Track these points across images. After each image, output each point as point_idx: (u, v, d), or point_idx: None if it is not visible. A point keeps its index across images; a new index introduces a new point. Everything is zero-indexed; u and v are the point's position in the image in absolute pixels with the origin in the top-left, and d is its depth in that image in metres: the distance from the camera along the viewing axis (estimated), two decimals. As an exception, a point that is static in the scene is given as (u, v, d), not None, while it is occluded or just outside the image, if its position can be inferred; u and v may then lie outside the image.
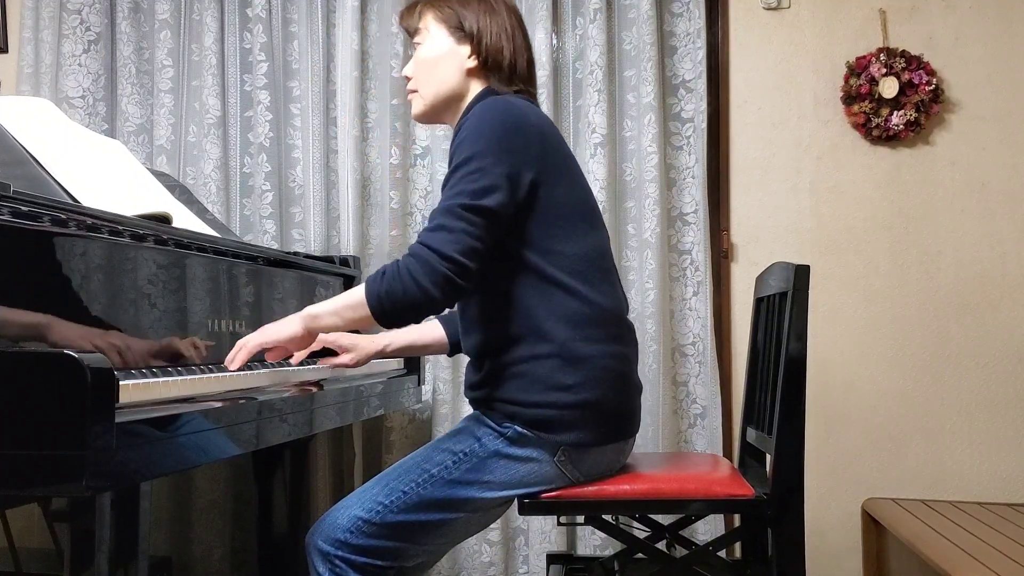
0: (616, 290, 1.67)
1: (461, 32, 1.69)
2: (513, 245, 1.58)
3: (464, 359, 2.70)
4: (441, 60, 1.69)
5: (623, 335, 1.65)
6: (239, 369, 1.60)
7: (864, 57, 2.73)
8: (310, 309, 1.59)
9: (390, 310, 1.51)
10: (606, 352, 1.59)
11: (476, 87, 1.70)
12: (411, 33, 1.76)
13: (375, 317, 1.53)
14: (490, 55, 1.68)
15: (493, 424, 1.59)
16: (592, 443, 1.60)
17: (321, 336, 1.75)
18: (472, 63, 1.68)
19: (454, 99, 1.71)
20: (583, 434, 1.58)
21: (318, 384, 1.77)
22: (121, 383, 1.17)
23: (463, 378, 2.69)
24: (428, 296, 1.49)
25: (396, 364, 2.40)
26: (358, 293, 1.54)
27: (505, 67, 1.69)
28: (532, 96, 1.74)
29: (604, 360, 1.59)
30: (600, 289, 1.61)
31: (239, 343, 1.61)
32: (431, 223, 1.53)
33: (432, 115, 1.75)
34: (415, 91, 1.73)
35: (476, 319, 1.65)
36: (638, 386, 1.69)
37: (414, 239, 2.75)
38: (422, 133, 2.83)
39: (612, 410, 1.61)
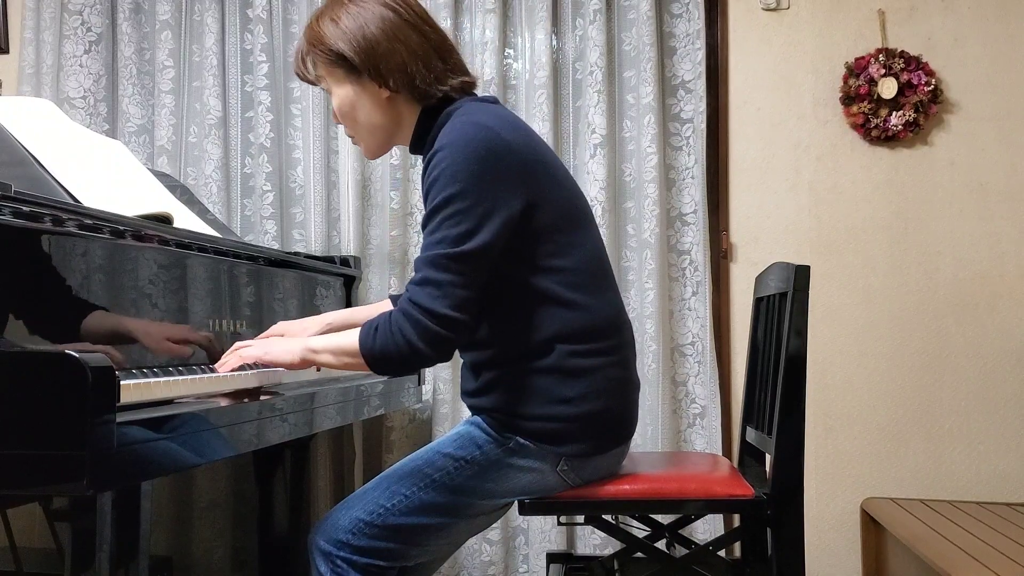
0: (614, 294, 1.63)
1: (355, 70, 1.56)
2: (512, 267, 1.53)
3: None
4: (356, 106, 1.59)
5: (623, 340, 1.63)
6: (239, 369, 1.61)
7: (863, 58, 2.74)
8: (311, 343, 1.55)
9: (385, 366, 1.49)
10: (607, 362, 1.57)
11: (409, 109, 1.60)
12: (315, 84, 1.65)
13: (371, 369, 1.50)
14: (395, 79, 1.55)
15: (494, 434, 1.58)
16: (594, 452, 1.59)
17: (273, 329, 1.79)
18: (385, 93, 1.57)
19: (394, 129, 1.62)
20: (585, 445, 1.57)
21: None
22: (122, 383, 1.17)
23: (463, 378, 2.71)
24: (421, 355, 1.46)
25: (396, 364, 2.40)
26: (354, 341, 1.50)
27: (418, 81, 1.55)
28: (468, 83, 1.61)
29: (605, 370, 1.57)
30: (601, 297, 1.58)
31: (236, 346, 1.61)
32: (417, 274, 1.47)
33: (382, 151, 1.67)
34: (352, 136, 1.66)
35: (474, 338, 1.61)
36: (637, 385, 1.67)
37: (414, 239, 2.80)
38: (422, 133, 2.84)
39: (614, 419, 1.59)
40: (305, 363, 1.56)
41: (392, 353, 1.46)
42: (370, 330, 1.48)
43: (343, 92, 1.59)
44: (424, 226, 1.49)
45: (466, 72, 1.62)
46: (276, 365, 1.57)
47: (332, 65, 1.58)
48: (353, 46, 1.54)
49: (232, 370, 1.58)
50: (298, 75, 1.66)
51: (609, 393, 1.57)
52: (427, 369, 2.70)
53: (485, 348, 1.59)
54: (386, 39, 1.54)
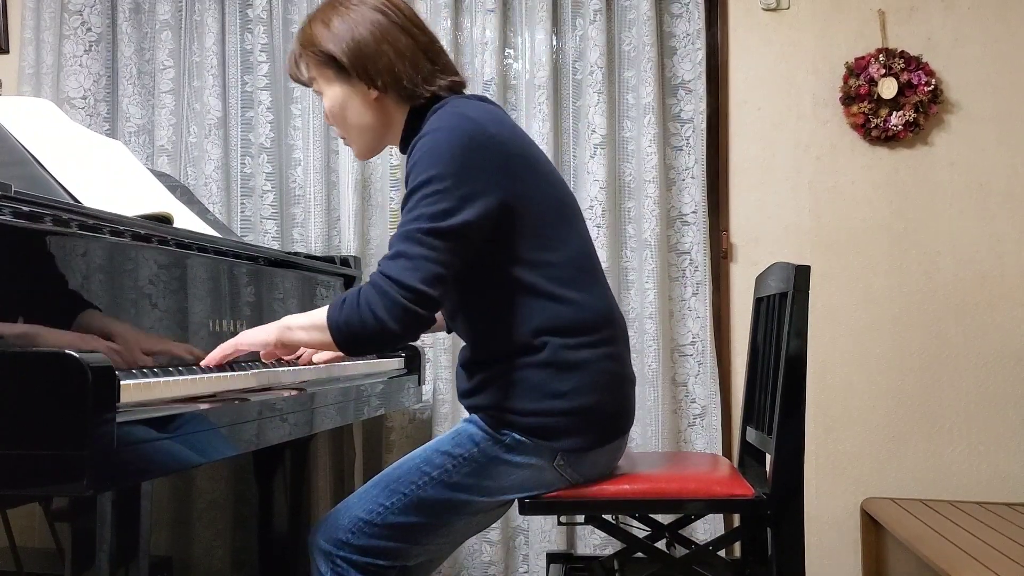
0: (604, 288, 1.64)
1: (344, 71, 1.59)
2: (500, 262, 1.54)
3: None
4: (346, 106, 1.62)
5: (615, 335, 1.63)
6: (240, 369, 1.61)
7: (863, 58, 2.74)
8: (287, 320, 1.54)
9: (350, 341, 1.47)
10: (599, 355, 1.58)
11: (398, 109, 1.63)
12: (308, 86, 1.68)
13: (337, 346, 1.48)
14: (383, 79, 1.58)
15: (491, 431, 1.58)
16: (590, 447, 1.59)
17: None
18: (374, 93, 1.60)
19: (384, 130, 1.65)
20: (581, 439, 1.57)
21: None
22: (122, 383, 1.17)
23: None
24: (386, 330, 1.44)
25: (396, 364, 2.41)
26: (324, 317, 1.49)
27: (406, 82, 1.58)
28: (457, 83, 1.64)
29: (598, 364, 1.57)
30: (590, 291, 1.59)
31: (220, 346, 1.59)
32: (390, 250, 1.47)
33: (373, 152, 1.70)
34: (344, 137, 1.69)
35: (466, 334, 1.63)
36: (631, 380, 1.67)
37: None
38: (422, 133, 2.84)
39: (609, 413, 1.60)
40: (281, 342, 1.54)
41: (356, 327, 1.45)
42: (339, 304, 1.47)
43: (333, 93, 1.63)
44: (403, 207, 1.51)
45: (455, 72, 1.66)
46: (253, 347, 1.55)
47: (322, 66, 1.62)
48: (342, 47, 1.58)
49: (217, 363, 1.56)
50: (291, 76, 1.70)
51: (602, 387, 1.58)
52: (427, 369, 2.70)
53: (477, 345, 1.60)
54: (374, 41, 1.58)
